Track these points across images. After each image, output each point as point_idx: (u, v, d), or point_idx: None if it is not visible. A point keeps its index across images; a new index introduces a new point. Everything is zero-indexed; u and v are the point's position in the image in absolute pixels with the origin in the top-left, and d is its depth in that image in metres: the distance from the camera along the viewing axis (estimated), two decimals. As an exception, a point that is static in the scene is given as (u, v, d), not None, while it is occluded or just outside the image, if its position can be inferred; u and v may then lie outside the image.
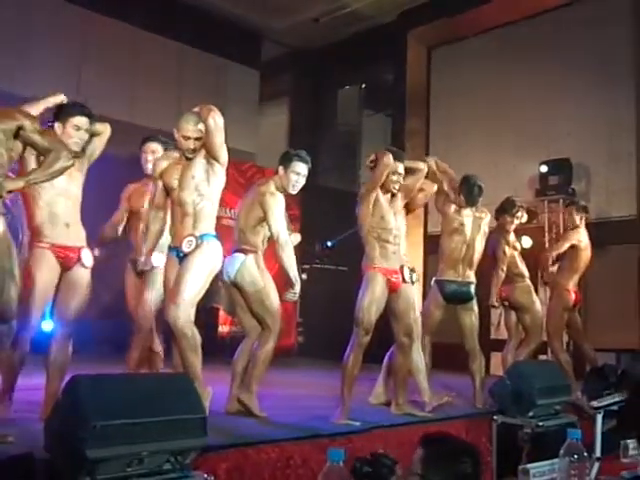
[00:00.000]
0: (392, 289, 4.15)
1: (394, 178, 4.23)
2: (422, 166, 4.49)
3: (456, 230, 5.03)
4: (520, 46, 8.93)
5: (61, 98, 3.65)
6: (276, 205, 4.03)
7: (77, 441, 2.06)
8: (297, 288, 4.01)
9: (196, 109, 3.74)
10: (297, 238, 4.51)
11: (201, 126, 3.64)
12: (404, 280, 4.19)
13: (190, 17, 9.57)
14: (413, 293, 4.38)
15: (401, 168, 4.27)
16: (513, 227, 5.60)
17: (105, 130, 3.78)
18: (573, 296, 5.82)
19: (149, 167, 4.27)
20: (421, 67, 10.14)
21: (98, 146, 3.77)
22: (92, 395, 2.15)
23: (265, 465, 3.07)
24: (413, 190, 4.45)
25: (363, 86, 11.30)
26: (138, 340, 4.20)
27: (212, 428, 2.43)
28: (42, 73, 7.68)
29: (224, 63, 10.38)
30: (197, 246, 3.61)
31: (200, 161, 3.71)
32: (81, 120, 3.58)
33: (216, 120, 3.61)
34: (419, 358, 4.66)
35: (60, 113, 3.58)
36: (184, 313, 3.51)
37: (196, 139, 3.67)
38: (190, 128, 3.66)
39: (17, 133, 3.00)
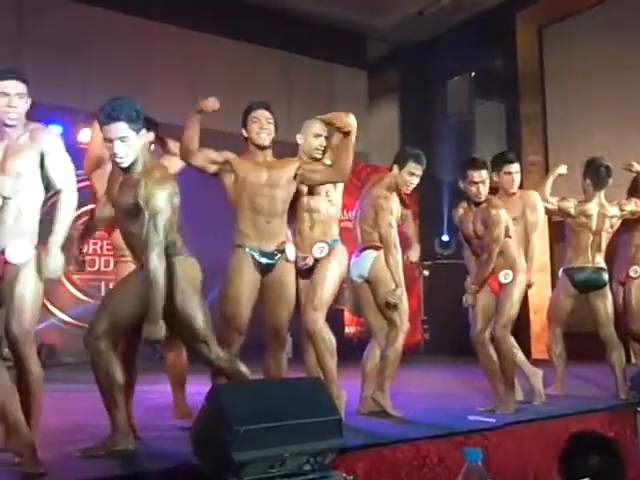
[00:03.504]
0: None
1: None
2: None
3: (583, 217, 4.82)
4: (635, 14, 8.41)
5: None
6: (387, 209, 4.00)
7: (223, 445, 2.19)
8: (399, 291, 3.93)
9: (321, 116, 3.78)
10: (416, 254, 4.24)
11: None
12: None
13: (294, 25, 9.77)
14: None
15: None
16: None
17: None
18: None
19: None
20: (532, 48, 9.79)
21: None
22: (233, 402, 2.28)
23: (402, 464, 3.10)
24: None
25: (472, 74, 11.07)
26: None
27: (348, 429, 2.50)
28: (158, 97, 8.07)
29: (331, 66, 10.54)
30: (329, 251, 3.72)
31: None
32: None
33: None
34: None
35: None
36: (322, 317, 3.63)
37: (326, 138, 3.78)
38: (323, 127, 3.74)
39: None
